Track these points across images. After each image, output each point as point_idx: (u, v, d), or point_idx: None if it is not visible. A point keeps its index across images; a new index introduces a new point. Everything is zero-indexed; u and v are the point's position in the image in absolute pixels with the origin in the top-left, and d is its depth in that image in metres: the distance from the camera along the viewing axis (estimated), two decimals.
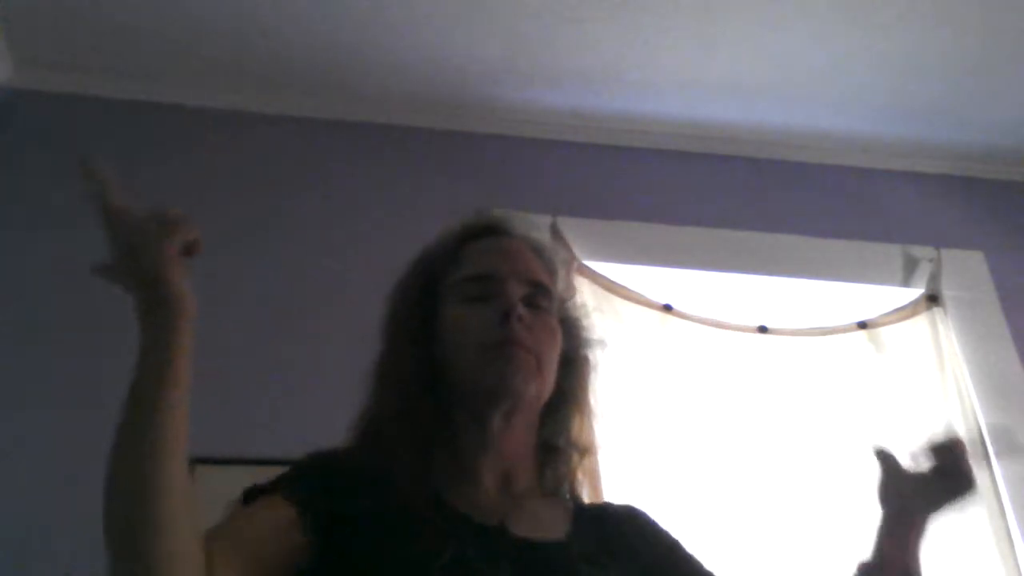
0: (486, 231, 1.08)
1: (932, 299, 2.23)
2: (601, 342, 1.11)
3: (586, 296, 2.06)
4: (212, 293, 2.15)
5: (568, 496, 1.05)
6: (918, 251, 2.31)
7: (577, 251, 2.11)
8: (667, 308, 2.10)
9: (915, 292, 2.25)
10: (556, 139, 2.33)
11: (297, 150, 2.20)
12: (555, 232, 2.11)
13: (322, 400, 1.83)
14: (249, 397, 1.85)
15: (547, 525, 0.96)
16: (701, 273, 2.19)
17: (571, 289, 1.14)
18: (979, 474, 1.02)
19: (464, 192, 2.20)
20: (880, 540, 1.03)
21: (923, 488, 1.03)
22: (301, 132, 2.22)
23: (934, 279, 2.25)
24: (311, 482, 0.93)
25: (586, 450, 1.08)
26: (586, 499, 1.10)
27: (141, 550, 0.76)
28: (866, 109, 2.34)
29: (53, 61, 2.12)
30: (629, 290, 2.10)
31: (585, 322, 1.11)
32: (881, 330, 2.18)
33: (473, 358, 0.97)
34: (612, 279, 2.10)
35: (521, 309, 0.97)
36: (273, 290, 1.99)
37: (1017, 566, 1.92)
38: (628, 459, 1.88)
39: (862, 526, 1.98)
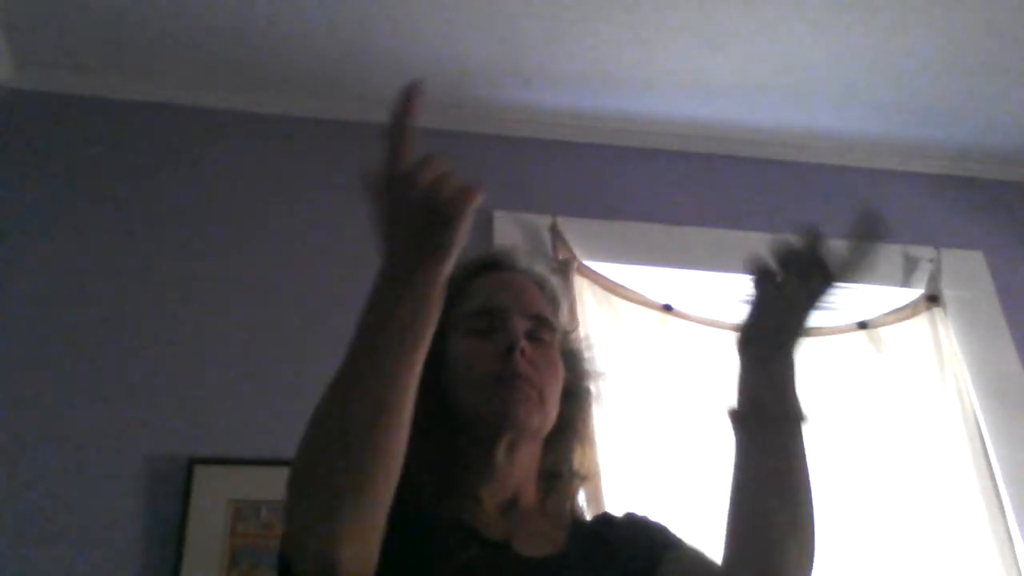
0: (491, 265, 1.11)
1: (932, 299, 2.23)
2: (603, 374, 1.14)
3: (586, 296, 2.06)
4: (213, 293, 2.16)
5: (569, 518, 1.07)
6: (918, 251, 2.31)
7: (577, 251, 2.11)
8: (667, 308, 2.10)
9: (915, 292, 2.25)
10: (556, 139, 2.33)
11: (297, 150, 2.20)
12: (555, 232, 2.11)
13: None
14: (249, 397, 1.85)
15: (546, 543, 0.98)
16: (701, 273, 2.19)
17: (574, 321, 1.16)
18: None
19: None
20: (748, 383, 0.99)
21: (787, 306, 1.00)
22: (301, 132, 2.22)
23: (934, 279, 2.25)
24: None
25: (587, 478, 1.11)
26: (589, 516, 1.11)
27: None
28: (866, 109, 2.34)
29: (53, 61, 2.12)
30: (629, 290, 2.10)
31: (587, 354, 1.14)
32: (881, 330, 2.18)
33: (477, 390, 1.00)
34: (612, 279, 2.10)
35: (524, 343, 1.00)
36: (274, 290, 1.99)
37: (1017, 566, 1.91)
38: (628, 460, 1.87)
39: (861, 525, 1.99)
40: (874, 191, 2.43)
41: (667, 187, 2.33)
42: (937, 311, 2.21)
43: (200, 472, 1.74)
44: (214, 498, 1.72)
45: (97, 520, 1.69)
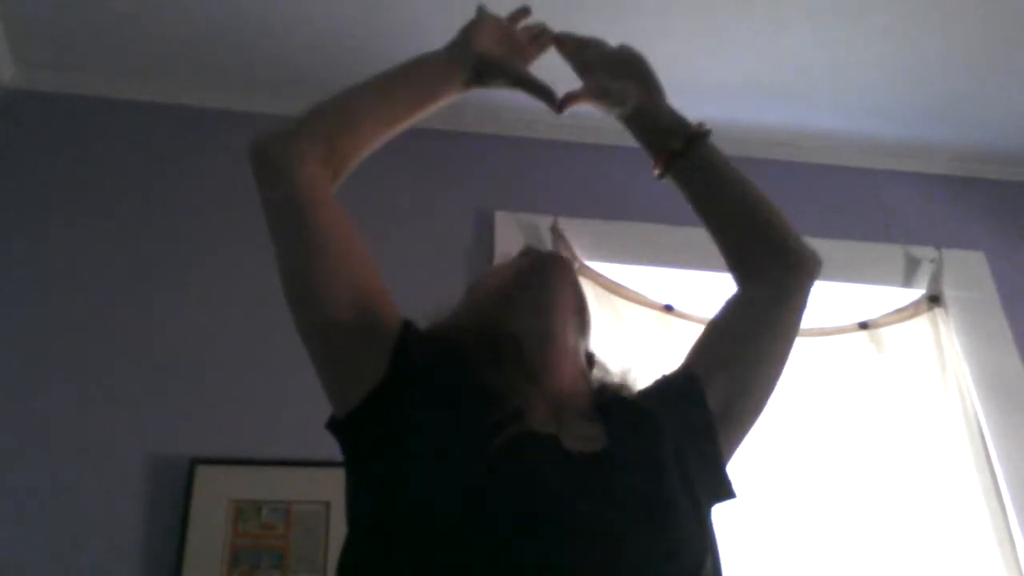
0: None
1: (933, 299, 2.23)
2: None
3: (586, 296, 2.06)
4: (213, 292, 2.15)
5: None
6: (919, 251, 2.30)
7: (577, 251, 2.10)
8: (668, 308, 2.10)
9: (916, 292, 2.25)
10: (556, 139, 2.33)
11: None
12: (556, 232, 2.11)
13: (322, 400, 1.84)
14: (249, 397, 1.85)
15: (590, 443, 0.94)
16: (701, 273, 2.18)
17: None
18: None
19: (464, 192, 2.20)
20: (653, 136, 1.20)
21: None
22: None
23: (935, 279, 2.25)
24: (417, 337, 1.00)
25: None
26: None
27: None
28: (866, 109, 2.34)
29: (53, 61, 2.12)
30: (630, 290, 2.10)
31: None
32: (882, 330, 2.18)
33: (506, 290, 1.05)
34: (612, 279, 2.10)
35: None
36: (274, 290, 1.98)
37: (1019, 566, 1.91)
38: None
39: (862, 526, 1.98)
40: (874, 191, 2.43)
41: (667, 187, 2.32)
42: (938, 311, 2.21)
43: (201, 472, 1.74)
44: (215, 498, 1.72)
45: (98, 520, 1.69)
